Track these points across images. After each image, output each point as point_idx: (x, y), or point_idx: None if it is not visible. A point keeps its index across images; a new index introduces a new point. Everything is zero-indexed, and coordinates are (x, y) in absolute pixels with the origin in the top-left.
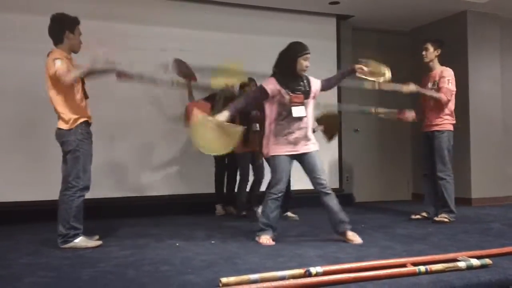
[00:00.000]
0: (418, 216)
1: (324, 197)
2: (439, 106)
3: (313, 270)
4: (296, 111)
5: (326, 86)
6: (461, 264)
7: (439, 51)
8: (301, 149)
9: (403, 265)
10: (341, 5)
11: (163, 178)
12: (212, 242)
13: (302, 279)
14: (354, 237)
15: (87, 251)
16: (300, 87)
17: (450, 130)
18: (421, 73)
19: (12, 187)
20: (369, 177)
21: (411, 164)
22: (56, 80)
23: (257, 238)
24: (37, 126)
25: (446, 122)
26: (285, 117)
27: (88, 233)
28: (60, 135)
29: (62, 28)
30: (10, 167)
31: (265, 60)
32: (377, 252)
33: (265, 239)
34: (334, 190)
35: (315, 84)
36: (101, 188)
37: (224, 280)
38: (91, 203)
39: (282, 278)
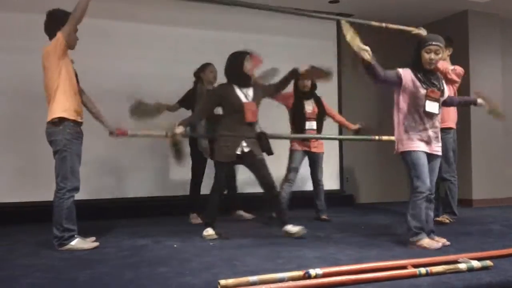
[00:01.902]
0: None
1: (428, 203)
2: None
3: (312, 272)
4: (430, 106)
5: (448, 102)
6: (462, 266)
7: (450, 50)
8: (433, 149)
9: (404, 267)
10: (341, 4)
11: (162, 179)
12: (211, 243)
13: (301, 281)
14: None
15: (85, 253)
16: (436, 83)
17: (454, 129)
18: None
19: (9, 188)
20: (369, 178)
21: None
22: (55, 54)
23: (413, 246)
24: (35, 127)
25: (450, 120)
26: (417, 112)
27: (84, 235)
28: (49, 134)
29: (57, 24)
30: (7, 168)
31: (264, 59)
32: (377, 253)
33: (427, 242)
34: (335, 191)
35: (446, 87)
36: (98, 189)
37: (222, 282)
38: (88, 204)
39: (281, 280)
